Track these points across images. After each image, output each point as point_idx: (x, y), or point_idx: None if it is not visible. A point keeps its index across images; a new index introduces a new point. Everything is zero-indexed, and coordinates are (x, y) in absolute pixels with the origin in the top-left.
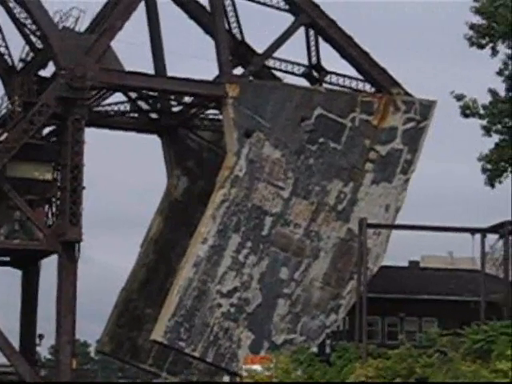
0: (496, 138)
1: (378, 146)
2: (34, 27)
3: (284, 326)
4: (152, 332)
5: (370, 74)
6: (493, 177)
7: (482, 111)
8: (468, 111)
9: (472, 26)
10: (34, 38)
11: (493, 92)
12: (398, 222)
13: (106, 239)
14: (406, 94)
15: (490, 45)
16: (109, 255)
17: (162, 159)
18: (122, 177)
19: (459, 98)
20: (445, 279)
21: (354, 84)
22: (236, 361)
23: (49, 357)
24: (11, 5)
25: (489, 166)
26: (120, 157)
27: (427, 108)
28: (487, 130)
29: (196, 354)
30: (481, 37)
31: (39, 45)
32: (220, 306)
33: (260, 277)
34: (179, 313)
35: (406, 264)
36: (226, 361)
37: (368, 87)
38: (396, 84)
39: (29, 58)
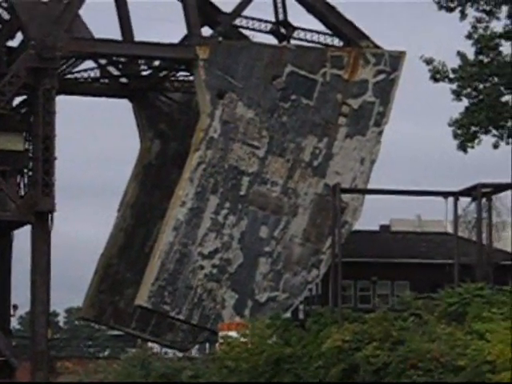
0: (466, 102)
1: (350, 99)
2: None
3: (267, 284)
4: (135, 297)
5: (337, 28)
6: (465, 142)
7: (451, 75)
8: (438, 75)
9: None
10: None
11: (462, 55)
12: (369, 186)
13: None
14: (375, 46)
15: (459, 8)
16: (72, 225)
17: (131, 125)
18: (93, 144)
19: (428, 61)
20: (416, 242)
21: (322, 39)
22: (221, 321)
23: (17, 327)
24: None
25: (460, 132)
26: (90, 124)
27: (397, 59)
28: (457, 94)
29: (181, 317)
30: (449, 0)
31: (6, 16)
32: (202, 267)
33: (240, 236)
34: (162, 277)
35: (376, 228)
36: (211, 322)
37: (336, 41)
38: (364, 37)
39: None
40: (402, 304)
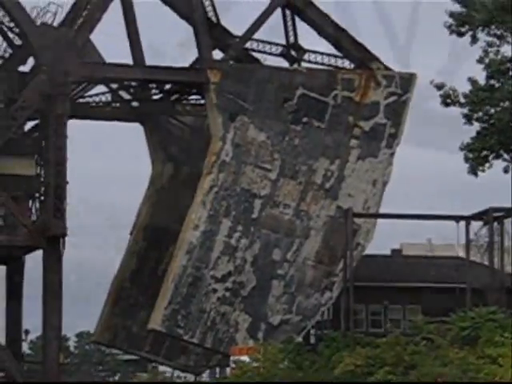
0: (477, 126)
1: (361, 121)
2: (11, 24)
3: (280, 306)
4: (148, 320)
5: (348, 50)
6: (476, 166)
7: (462, 100)
8: (449, 100)
9: (452, 14)
10: (11, 35)
11: (472, 81)
12: (380, 209)
13: None
14: (386, 68)
15: (470, 33)
16: (84, 249)
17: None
18: (104, 168)
19: (440, 87)
20: (427, 267)
21: (332, 61)
22: (234, 344)
23: (28, 352)
24: None
25: (471, 155)
26: (102, 148)
27: (408, 81)
28: (468, 119)
29: (194, 341)
30: (460, 25)
31: (17, 41)
32: (215, 291)
33: (253, 259)
34: (175, 300)
35: (388, 252)
36: (225, 345)
37: (347, 64)
38: (375, 59)
39: (7, 55)
40: (414, 328)
